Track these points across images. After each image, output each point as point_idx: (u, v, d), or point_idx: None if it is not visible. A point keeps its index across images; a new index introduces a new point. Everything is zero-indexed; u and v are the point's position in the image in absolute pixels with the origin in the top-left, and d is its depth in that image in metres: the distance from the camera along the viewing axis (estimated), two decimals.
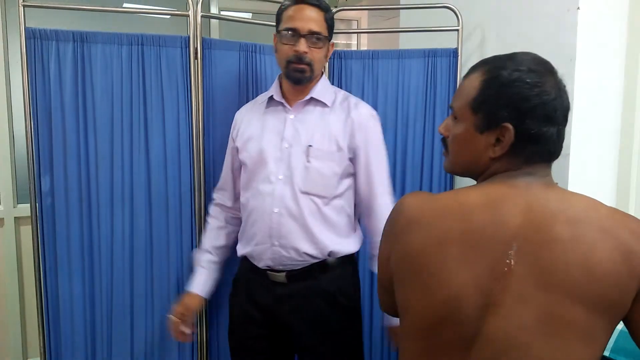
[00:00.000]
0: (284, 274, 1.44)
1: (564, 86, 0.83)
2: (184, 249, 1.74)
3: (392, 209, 0.92)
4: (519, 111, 0.80)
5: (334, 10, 1.70)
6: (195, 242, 1.75)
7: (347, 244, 1.47)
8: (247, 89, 1.79)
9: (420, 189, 1.91)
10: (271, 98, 1.49)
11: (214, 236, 1.62)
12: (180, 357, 1.77)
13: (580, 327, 0.76)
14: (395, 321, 1.14)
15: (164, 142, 1.68)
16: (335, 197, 1.44)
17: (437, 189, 1.89)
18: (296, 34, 1.38)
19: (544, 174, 0.83)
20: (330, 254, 1.44)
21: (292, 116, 1.46)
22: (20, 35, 1.51)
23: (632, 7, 1.55)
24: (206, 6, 3.01)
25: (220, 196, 1.63)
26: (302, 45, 1.37)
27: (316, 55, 1.40)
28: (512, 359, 0.77)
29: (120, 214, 1.65)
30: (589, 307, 0.75)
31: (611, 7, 1.54)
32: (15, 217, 2.48)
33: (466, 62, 1.85)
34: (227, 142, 1.60)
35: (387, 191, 1.51)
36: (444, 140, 0.93)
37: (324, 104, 1.46)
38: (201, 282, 1.58)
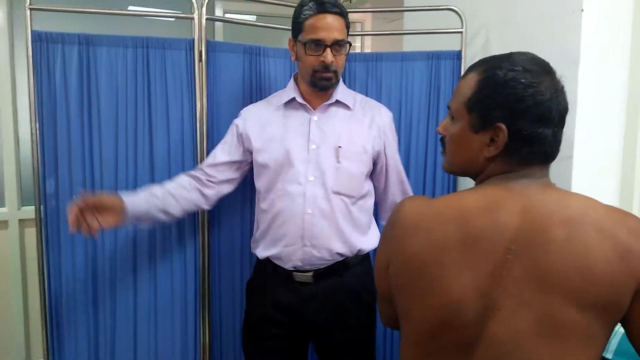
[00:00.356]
0: (311, 273, 1.46)
1: (562, 87, 0.83)
2: (187, 252, 1.74)
3: (390, 215, 0.92)
4: (513, 111, 0.80)
5: None
6: (198, 245, 1.75)
7: (368, 242, 1.52)
8: (251, 92, 1.79)
9: (424, 191, 1.91)
10: (292, 100, 1.49)
11: (175, 188, 1.49)
12: (183, 358, 1.77)
13: (579, 329, 0.75)
14: None
15: (168, 144, 1.69)
16: (361, 196, 1.50)
17: (440, 191, 1.89)
18: (322, 44, 1.39)
19: (540, 176, 0.83)
20: (358, 251, 1.49)
21: (315, 118, 1.48)
22: (27, 38, 1.53)
23: (637, 8, 1.54)
24: (211, 9, 3.02)
25: (201, 175, 1.53)
26: (329, 56, 1.39)
27: (340, 62, 1.44)
28: None
29: None
30: (586, 308, 0.75)
31: (615, 9, 1.54)
32: (19, 220, 2.48)
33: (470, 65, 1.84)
34: None
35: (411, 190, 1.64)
36: (442, 139, 0.94)
37: (346, 106, 1.51)
38: (135, 197, 1.43)
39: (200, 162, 1.69)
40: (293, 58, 1.49)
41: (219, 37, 2.98)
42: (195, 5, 1.67)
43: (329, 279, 1.47)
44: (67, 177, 1.60)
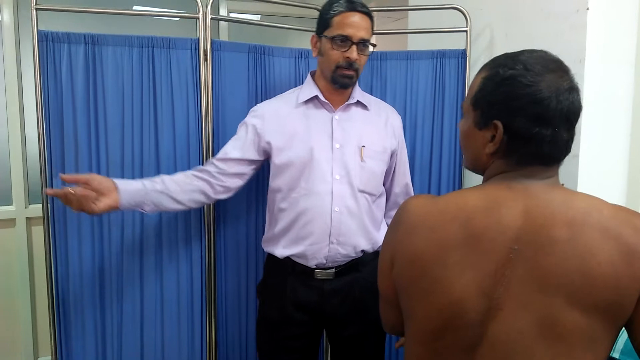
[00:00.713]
0: (333, 270, 1.48)
1: (569, 87, 0.79)
2: (193, 250, 1.75)
3: (395, 214, 0.92)
4: (509, 109, 0.80)
5: None
6: (204, 244, 1.76)
7: (381, 238, 1.54)
8: (256, 91, 1.80)
9: (429, 190, 1.91)
10: (312, 98, 1.49)
11: (178, 174, 1.48)
12: (190, 357, 1.78)
13: (581, 332, 0.75)
14: None
15: (173, 144, 1.70)
16: (380, 194, 1.56)
17: (445, 190, 1.89)
18: (348, 41, 1.40)
19: (544, 176, 0.81)
20: (379, 248, 1.50)
21: (337, 117, 1.49)
22: (33, 38, 1.53)
23: None
24: (215, 8, 3.02)
25: (214, 169, 1.49)
26: (354, 53, 1.41)
27: (363, 61, 1.46)
28: None
29: (131, 215, 1.67)
30: (589, 310, 0.74)
31: (621, 7, 1.53)
32: (27, 218, 2.51)
33: (475, 64, 1.85)
34: None
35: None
36: None
37: (364, 107, 1.54)
38: (130, 185, 1.39)
39: (205, 161, 1.70)
40: (315, 54, 1.49)
41: (223, 36, 2.98)
42: (200, 4, 1.68)
43: (349, 274, 1.50)
44: None
